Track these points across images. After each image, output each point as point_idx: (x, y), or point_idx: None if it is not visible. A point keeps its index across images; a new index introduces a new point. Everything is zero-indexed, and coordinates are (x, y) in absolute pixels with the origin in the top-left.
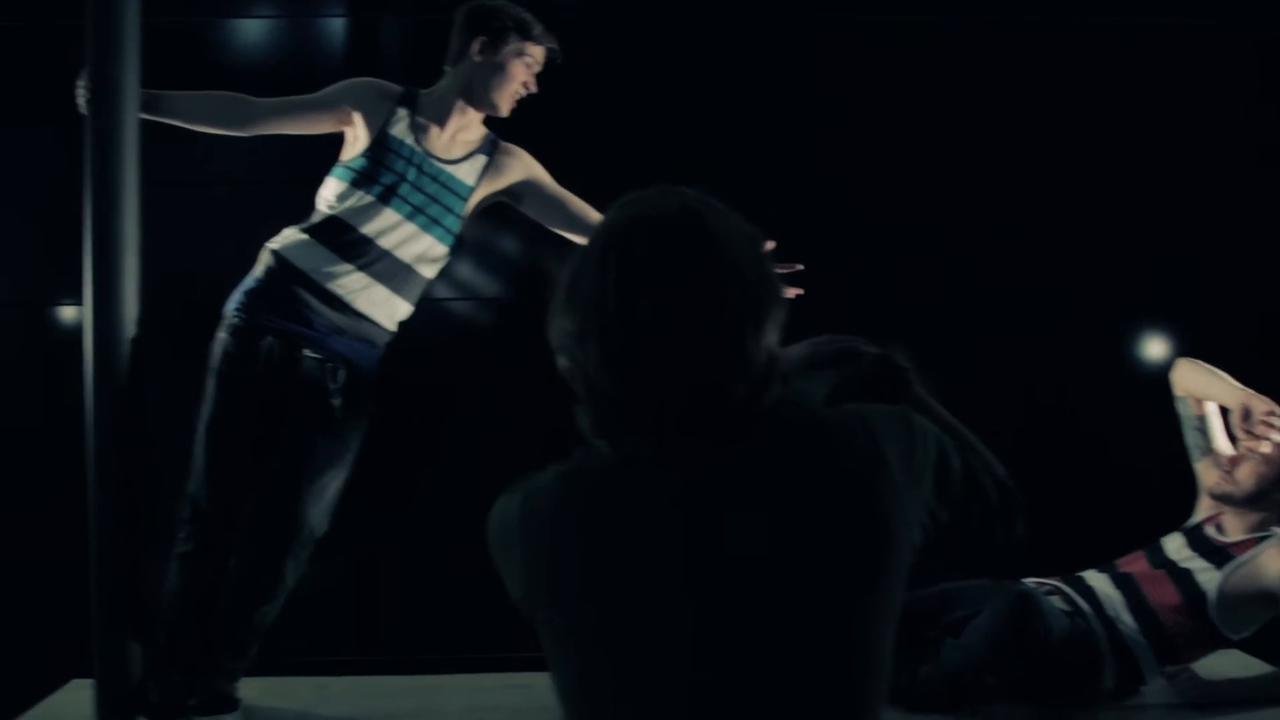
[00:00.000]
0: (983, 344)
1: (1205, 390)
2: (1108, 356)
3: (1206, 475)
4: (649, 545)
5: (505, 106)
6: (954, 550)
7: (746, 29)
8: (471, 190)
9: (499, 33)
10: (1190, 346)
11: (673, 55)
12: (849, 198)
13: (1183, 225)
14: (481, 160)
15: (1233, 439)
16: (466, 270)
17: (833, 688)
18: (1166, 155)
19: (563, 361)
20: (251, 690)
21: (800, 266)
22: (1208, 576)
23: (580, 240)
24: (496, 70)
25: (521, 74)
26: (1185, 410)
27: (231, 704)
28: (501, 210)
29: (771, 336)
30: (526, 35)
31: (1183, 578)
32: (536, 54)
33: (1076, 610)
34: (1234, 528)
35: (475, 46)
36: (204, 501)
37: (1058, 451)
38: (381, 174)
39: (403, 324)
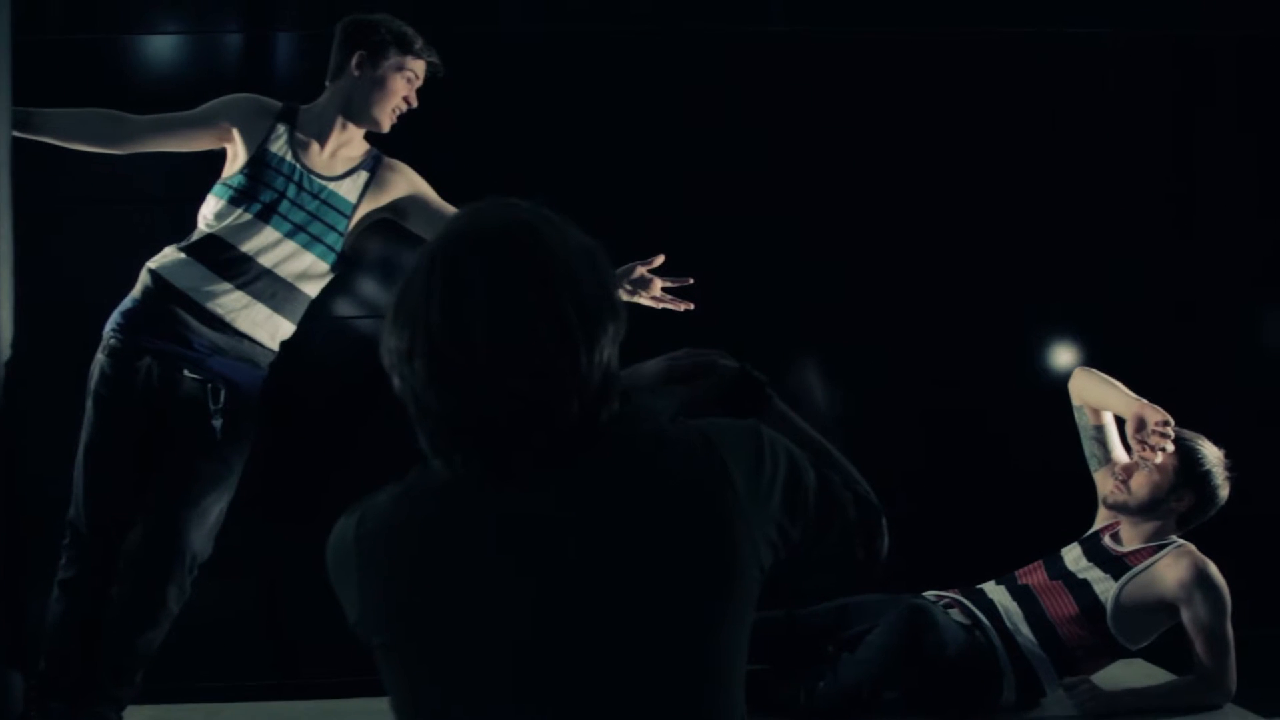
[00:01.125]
0: (889, 350)
1: (1100, 399)
2: (1014, 362)
3: (1104, 485)
4: (481, 568)
5: (386, 122)
6: (811, 568)
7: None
8: (354, 207)
9: (378, 47)
10: (1097, 351)
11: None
12: (758, 202)
13: (1092, 229)
14: (363, 176)
15: (1129, 448)
16: (370, 287)
17: (675, 712)
18: (1080, 160)
19: (395, 382)
20: (140, 718)
21: (691, 280)
22: (1104, 587)
23: None
24: (376, 85)
25: (402, 89)
26: (1083, 420)
27: None
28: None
29: (607, 352)
30: (406, 50)
31: (1080, 589)
32: (417, 68)
33: (975, 623)
34: (1130, 537)
35: (354, 61)
36: (84, 526)
37: (962, 459)
38: (261, 191)
39: (306, 340)
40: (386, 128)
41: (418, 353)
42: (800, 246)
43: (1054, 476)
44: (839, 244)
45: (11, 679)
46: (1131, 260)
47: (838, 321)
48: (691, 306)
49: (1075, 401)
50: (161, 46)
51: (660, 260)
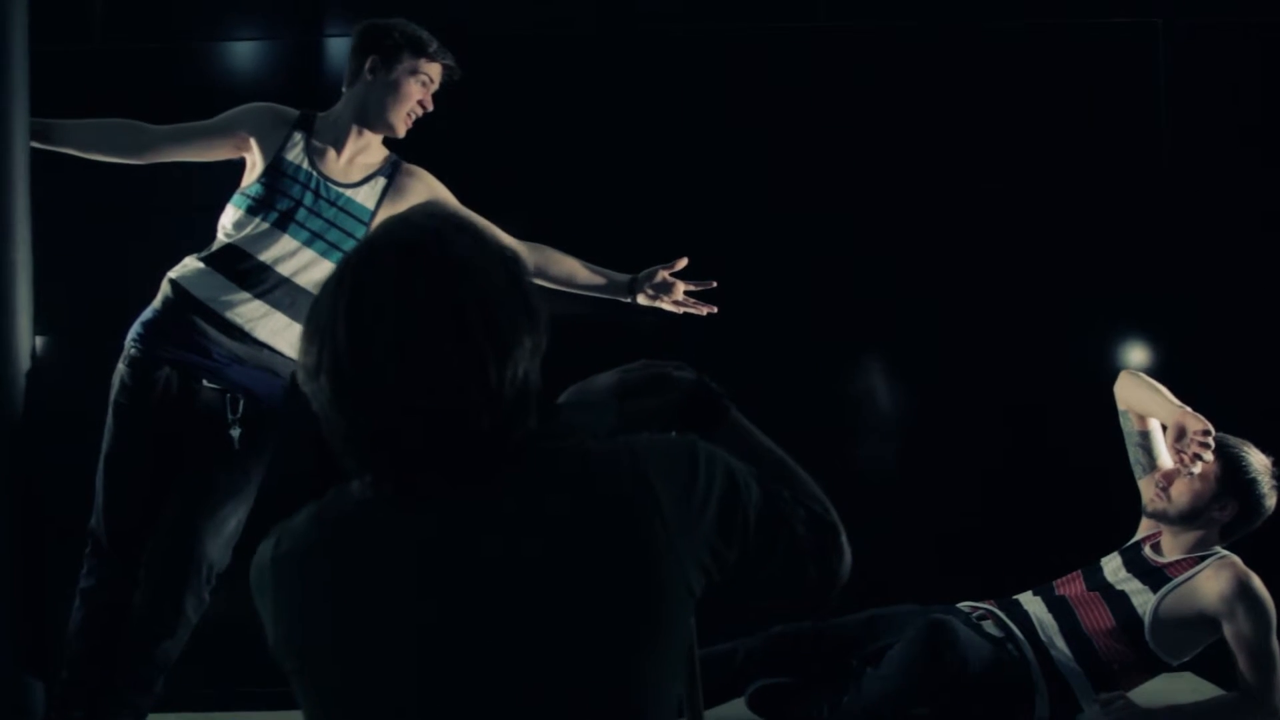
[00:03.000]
0: (941, 350)
1: (1143, 406)
2: (1069, 363)
3: (1147, 492)
4: (391, 591)
5: (401, 127)
6: (758, 589)
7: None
8: (371, 214)
9: (391, 51)
10: (1161, 351)
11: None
12: (808, 200)
13: (1157, 224)
14: (381, 183)
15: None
16: None
17: None
18: (1137, 153)
19: (311, 398)
20: None
21: (714, 284)
22: (1143, 599)
23: None
24: (390, 89)
25: (416, 92)
26: (1128, 425)
27: None
28: None
29: (522, 367)
30: (420, 53)
31: (1117, 600)
32: (432, 72)
33: (1009, 635)
34: (1171, 548)
35: (368, 66)
36: (104, 536)
37: (1020, 462)
38: (277, 200)
39: None
40: (402, 132)
41: (324, 368)
42: (854, 243)
43: (1111, 480)
44: (890, 240)
45: (33, 686)
46: (1208, 256)
47: (888, 320)
48: (714, 310)
49: (1120, 406)
50: (227, 53)
51: (683, 263)
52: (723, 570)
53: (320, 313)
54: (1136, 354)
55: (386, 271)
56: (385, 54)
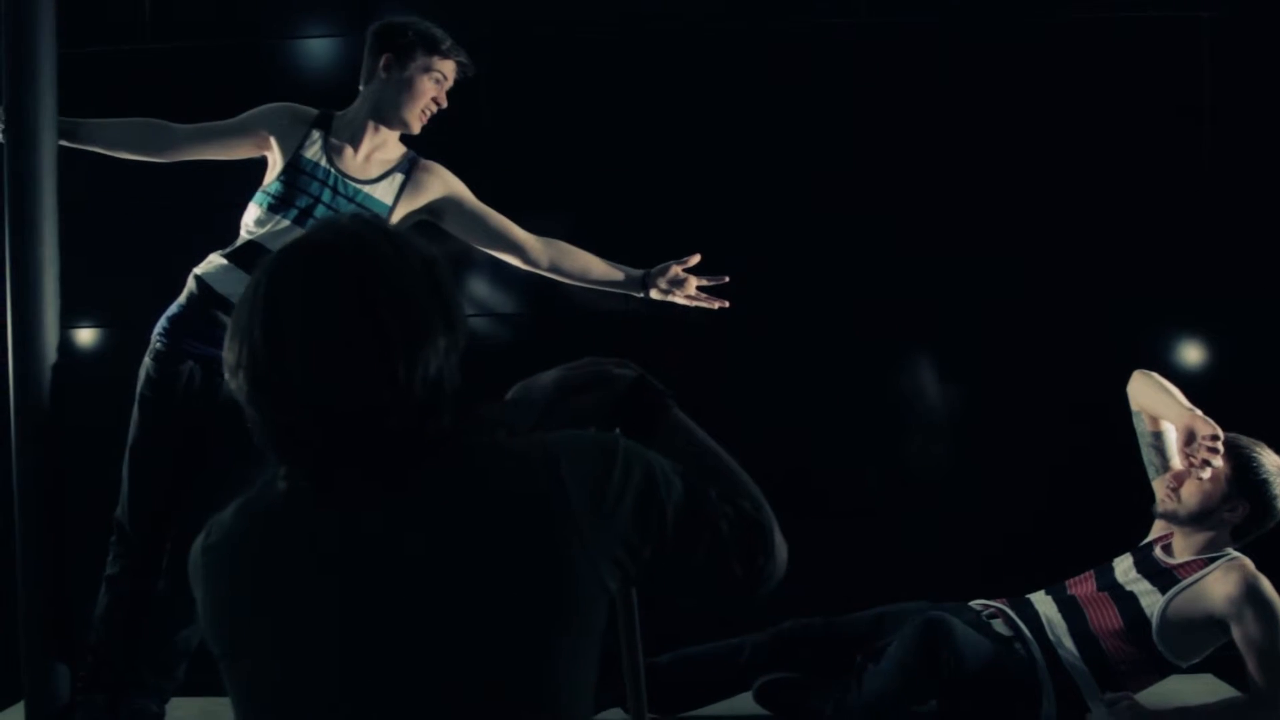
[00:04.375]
0: (984, 349)
1: (1154, 407)
2: (1114, 361)
3: (1159, 493)
4: (307, 585)
5: (415, 124)
6: (681, 586)
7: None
8: (389, 209)
9: (405, 49)
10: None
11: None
12: (854, 199)
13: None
14: (399, 179)
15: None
16: (481, 287)
17: None
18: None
19: (235, 393)
20: (189, 711)
21: (727, 278)
22: (1151, 600)
23: (503, 257)
24: (404, 87)
25: (429, 90)
26: (1141, 426)
27: None
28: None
29: (434, 365)
30: (433, 50)
31: (1126, 601)
32: (445, 69)
33: (1017, 635)
34: (1182, 549)
35: (382, 63)
36: (128, 524)
37: (1060, 462)
38: (296, 197)
39: None
40: (417, 129)
41: (243, 366)
42: (896, 243)
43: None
44: (933, 239)
45: (59, 671)
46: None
47: (930, 320)
48: (726, 305)
49: (1133, 407)
50: (281, 51)
51: (696, 259)
52: (639, 566)
53: (241, 314)
54: (1188, 352)
55: (300, 272)
56: (399, 52)
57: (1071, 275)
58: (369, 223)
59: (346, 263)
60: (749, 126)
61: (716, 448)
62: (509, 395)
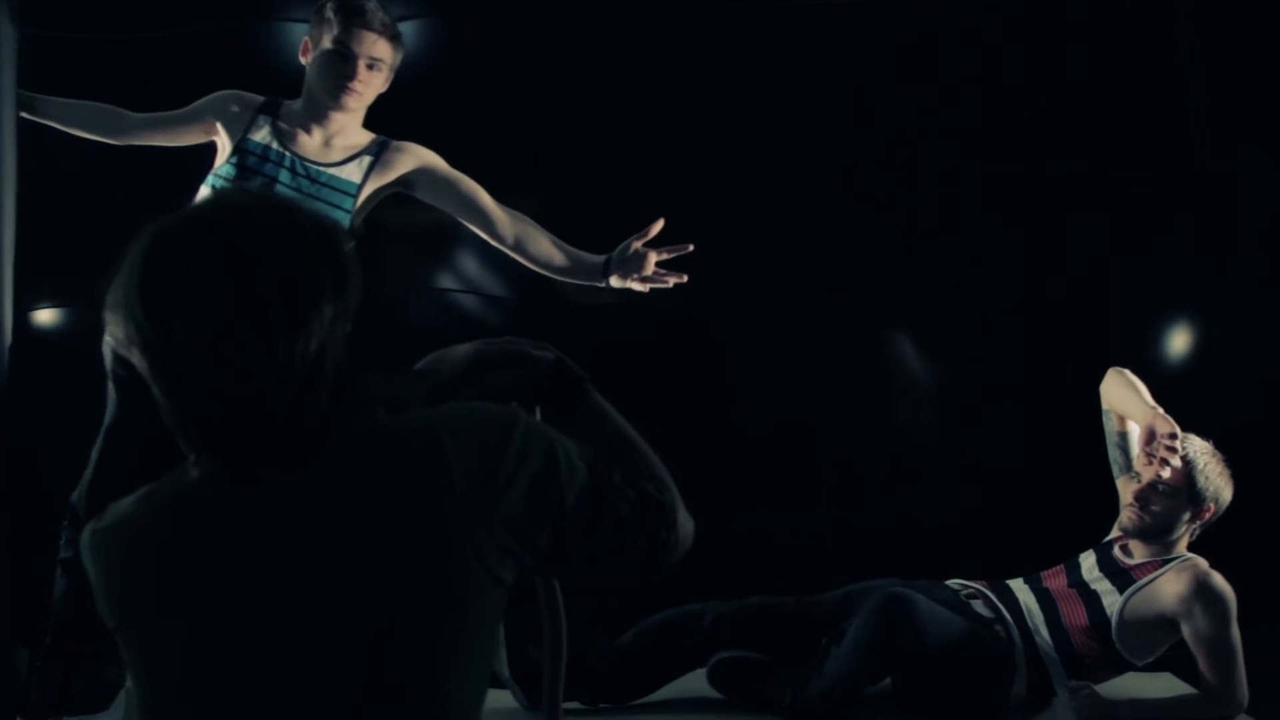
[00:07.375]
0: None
1: (1121, 405)
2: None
3: (1125, 492)
4: (205, 569)
5: (341, 101)
6: (582, 566)
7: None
8: (358, 186)
9: (316, 27)
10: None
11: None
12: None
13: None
14: (367, 160)
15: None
16: (472, 266)
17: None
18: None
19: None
20: None
21: (690, 247)
22: (1111, 600)
23: (472, 228)
24: (315, 65)
25: (338, 65)
26: (1109, 424)
27: (115, 688)
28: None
29: (316, 341)
30: (340, 25)
31: (1090, 600)
32: (353, 43)
33: (998, 617)
34: (1140, 550)
35: (304, 45)
36: (82, 509)
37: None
38: (249, 178)
39: (400, 314)
40: (346, 107)
41: (134, 345)
42: (879, 230)
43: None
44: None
45: (17, 652)
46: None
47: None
48: (684, 279)
49: (1104, 405)
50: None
51: (658, 227)
52: (535, 554)
53: (121, 289)
54: (1175, 344)
55: (179, 249)
56: (314, 31)
57: (1051, 264)
58: (255, 194)
59: (223, 236)
60: (737, 110)
61: (631, 432)
62: (420, 365)
